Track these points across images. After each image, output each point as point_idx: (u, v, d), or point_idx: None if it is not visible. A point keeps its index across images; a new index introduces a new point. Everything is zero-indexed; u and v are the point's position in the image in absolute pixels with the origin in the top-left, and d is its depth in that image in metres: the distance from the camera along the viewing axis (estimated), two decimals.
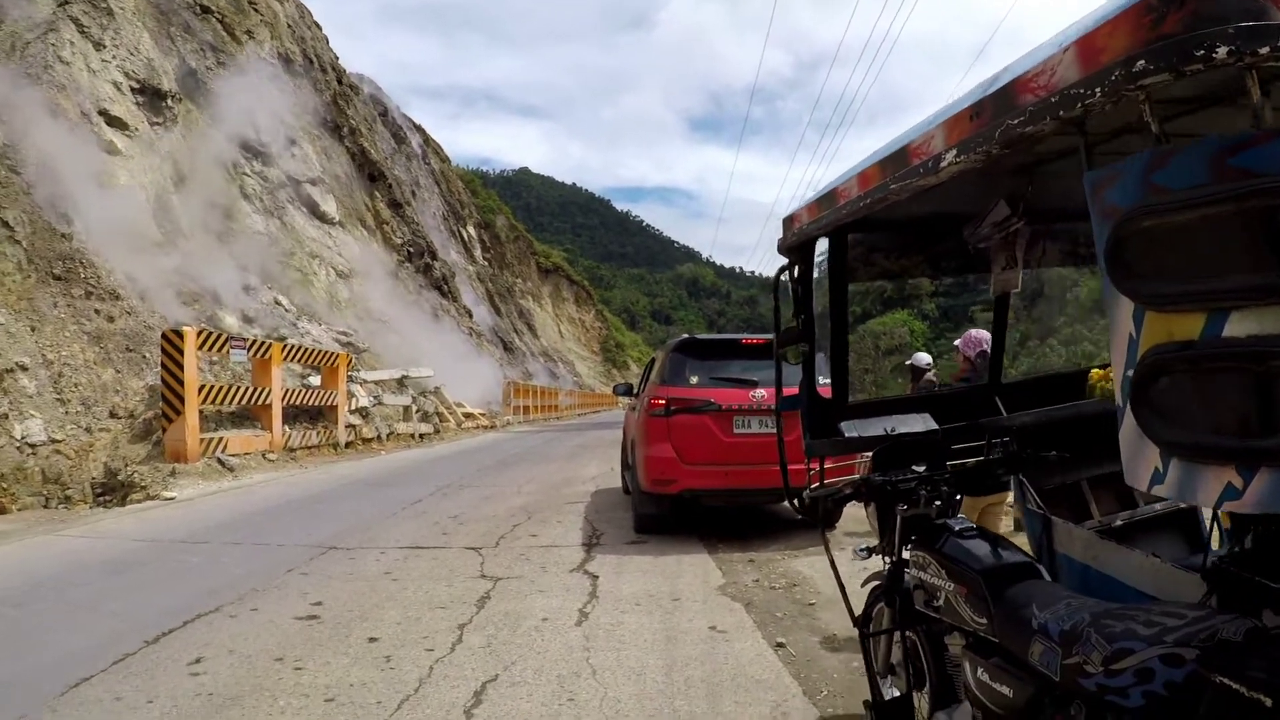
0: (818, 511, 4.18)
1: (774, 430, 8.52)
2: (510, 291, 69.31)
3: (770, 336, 9.84)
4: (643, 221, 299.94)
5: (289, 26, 36.10)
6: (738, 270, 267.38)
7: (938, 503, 3.39)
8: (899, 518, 3.45)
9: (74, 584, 7.05)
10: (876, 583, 3.94)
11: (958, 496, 3.47)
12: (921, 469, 3.55)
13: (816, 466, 4.49)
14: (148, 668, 4.94)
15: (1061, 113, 2.05)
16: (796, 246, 4.26)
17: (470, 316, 49.63)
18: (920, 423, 4.52)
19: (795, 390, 4.58)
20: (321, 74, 38.36)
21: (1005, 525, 9.02)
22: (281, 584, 7.00)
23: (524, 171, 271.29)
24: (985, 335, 8.65)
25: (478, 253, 63.51)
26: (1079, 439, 4.23)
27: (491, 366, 45.15)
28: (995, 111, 2.37)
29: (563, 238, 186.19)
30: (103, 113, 21.10)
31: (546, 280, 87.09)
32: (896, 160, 3.01)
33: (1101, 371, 4.78)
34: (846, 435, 4.43)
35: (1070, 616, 2.37)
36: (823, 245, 4.36)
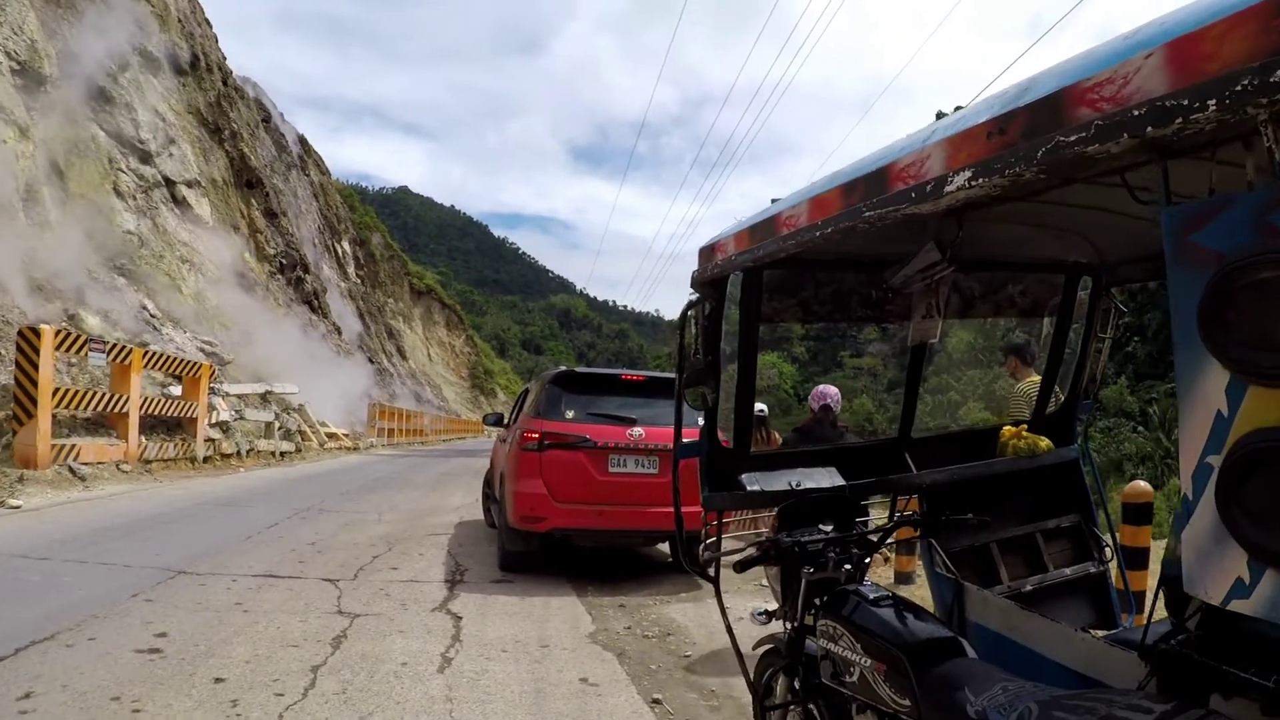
0: (714, 571, 4.30)
1: (651, 471, 8.82)
2: (381, 311, 68.26)
3: (653, 374, 10.03)
4: (519, 249, 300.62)
5: (179, 21, 35.16)
6: (611, 303, 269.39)
7: (847, 566, 3.23)
8: (804, 580, 3.26)
9: None
10: (769, 646, 3.76)
11: (867, 560, 3.34)
12: (829, 528, 3.43)
13: (714, 520, 4.35)
14: None
15: (1149, 129, 1.71)
16: (712, 281, 4.04)
17: (339, 334, 48.77)
18: (826, 477, 4.31)
19: (694, 435, 4.44)
20: (208, 73, 37.44)
21: (883, 575, 9.40)
22: (124, 611, 6.59)
23: (404, 190, 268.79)
24: (831, 390, 9.35)
25: (351, 269, 62.44)
26: (989, 499, 4.32)
27: (358, 385, 44.40)
28: (1032, 127, 2.04)
29: (438, 260, 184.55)
30: None
31: (419, 302, 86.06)
32: (872, 184, 2.70)
33: (1013, 429, 4.83)
34: (748, 488, 4.21)
35: (1013, 705, 2.16)
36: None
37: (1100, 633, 3.89)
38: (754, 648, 3.90)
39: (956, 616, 3.92)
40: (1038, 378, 8.22)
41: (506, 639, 6.59)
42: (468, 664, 5.90)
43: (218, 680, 5.14)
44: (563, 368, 10.11)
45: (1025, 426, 4.97)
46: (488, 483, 12.34)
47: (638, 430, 8.86)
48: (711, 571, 4.37)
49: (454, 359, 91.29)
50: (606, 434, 8.87)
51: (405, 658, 5.91)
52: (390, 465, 25.67)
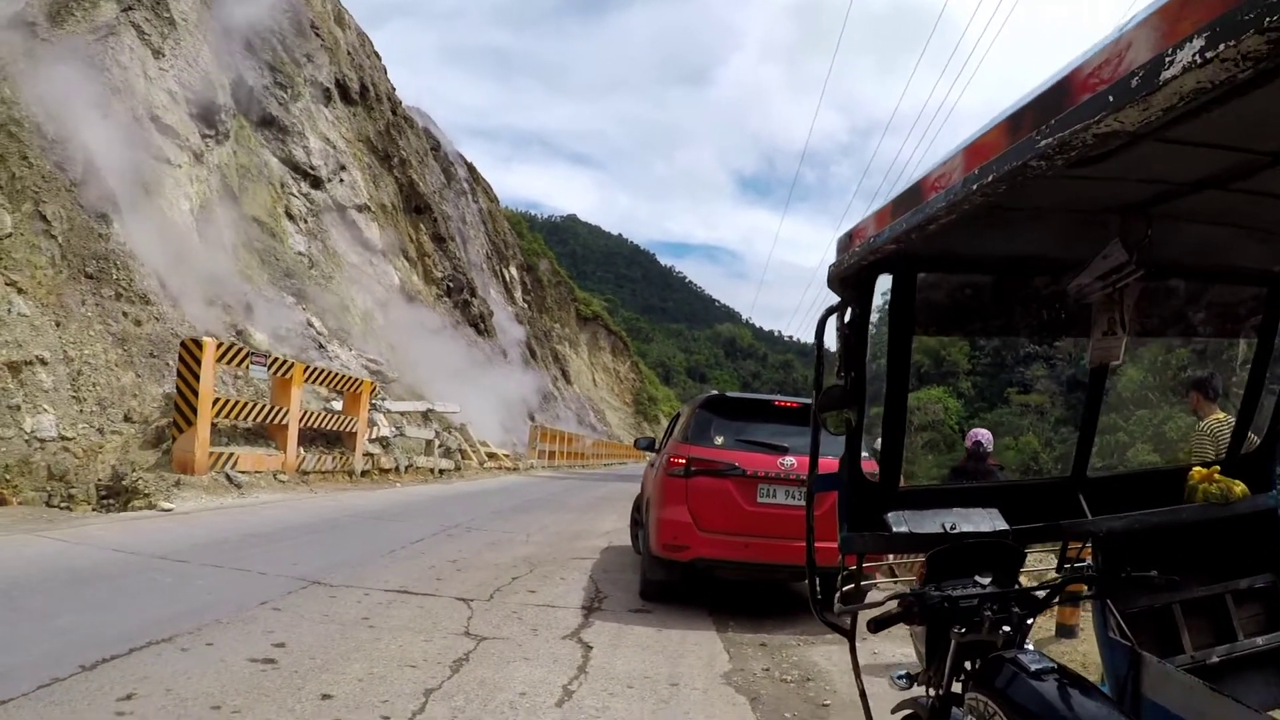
0: (850, 624, 3.62)
1: (802, 503, 7.93)
2: (547, 335, 69.16)
3: (807, 401, 9.19)
4: (685, 278, 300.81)
5: (348, 53, 36.34)
6: (776, 333, 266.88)
7: (1005, 628, 2.69)
8: (953, 642, 2.73)
9: (33, 591, 6.56)
10: (908, 712, 3.18)
11: (1029, 620, 2.79)
12: (987, 581, 2.85)
13: (853, 564, 3.62)
14: (73, 698, 4.41)
15: None
16: (853, 277, 3.28)
17: (505, 357, 49.39)
18: (986, 519, 3.57)
19: (834, 465, 3.74)
20: (377, 103, 38.56)
21: (1040, 625, 8.37)
22: (248, 618, 6.36)
23: (572, 218, 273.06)
24: (983, 432, 8.64)
25: (518, 294, 63.40)
26: (1174, 553, 3.55)
27: (521, 408, 44.78)
28: None
29: (605, 287, 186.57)
30: (155, 119, 21.14)
31: (585, 327, 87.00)
32: (1047, 105, 1.92)
33: (1204, 471, 3.99)
34: (894, 529, 3.50)
35: None
36: (882, 286, 3.45)
37: None
38: (891, 711, 3.29)
39: (1130, 692, 3.24)
40: (1222, 415, 7.28)
41: (635, 674, 6.01)
42: (589, 699, 5.36)
43: (325, 697, 4.81)
44: (714, 392, 9.42)
45: (1218, 469, 4.08)
46: (636, 507, 11.71)
47: (790, 460, 8.15)
48: (846, 622, 3.68)
49: (618, 384, 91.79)
50: (757, 462, 8.21)
51: (525, 687, 5.42)
52: (547, 487, 25.54)
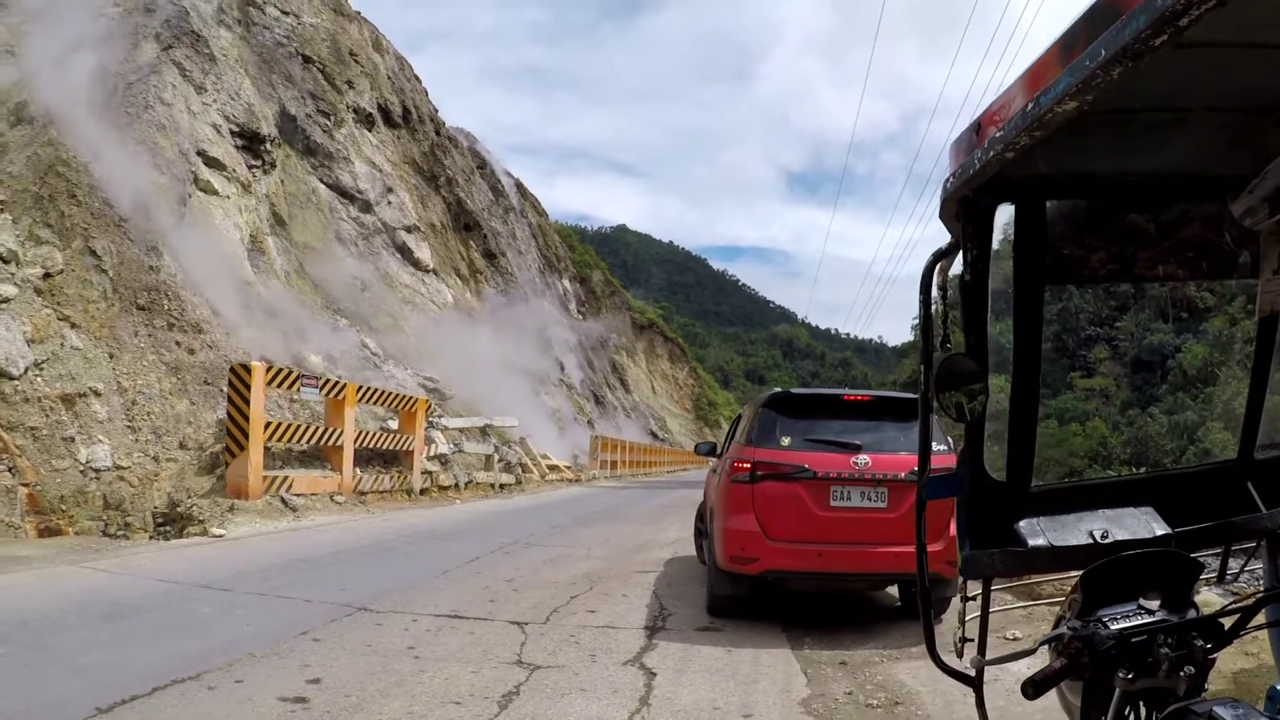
0: (978, 675, 2.78)
1: (878, 505, 7.48)
2: (604, 346, 69.14)
3: (880, 394, 8.65)
4: (738, 280, 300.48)
5: (388, 78, 36.72)
6: (833, 331, 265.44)
7: (1188, 668, 2.04)
8: (1119, 691, 2.06)
9: (63, 627, 6.37)
10: None
11: (1213, 655, 2.11)
12: (1155, 605, 2.19)
13: (977, 592, 2.80)
14: None
15: None
16: (975, 199, 2.52)
17: (562, 369, 49.45)
18: (1143, 523, 2.79)
19: (938, 464, 3.05)
20: (420, 124, 38.84)
21: None
22: (285, 651, 6.06)
23: (621, 228, 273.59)
24: None
25: (573, 306, 63.47)
26: None
27: (580, 419, 44.73)
28: None
29: (659, 295, 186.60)
30: (201, 153, 21.47)
31: (641, 336, 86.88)
32: None
33: None
34: (1030, 542, 2.74)
35: None
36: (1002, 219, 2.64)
37: None
38: None
39: None
40: None
41: (703, 704, 5.43)
42: None
43: None
44: (777, 389, 8.68)
45: None
46: (700, 516, 11.31)
47: (863, 458, 7.50)
48: (972, 670, 2.81)
49: (678, 391, 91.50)
50: (827, 463, 7.54)
51: None
52: (609, 497, 25.34)
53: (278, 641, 6.26)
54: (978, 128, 2.37)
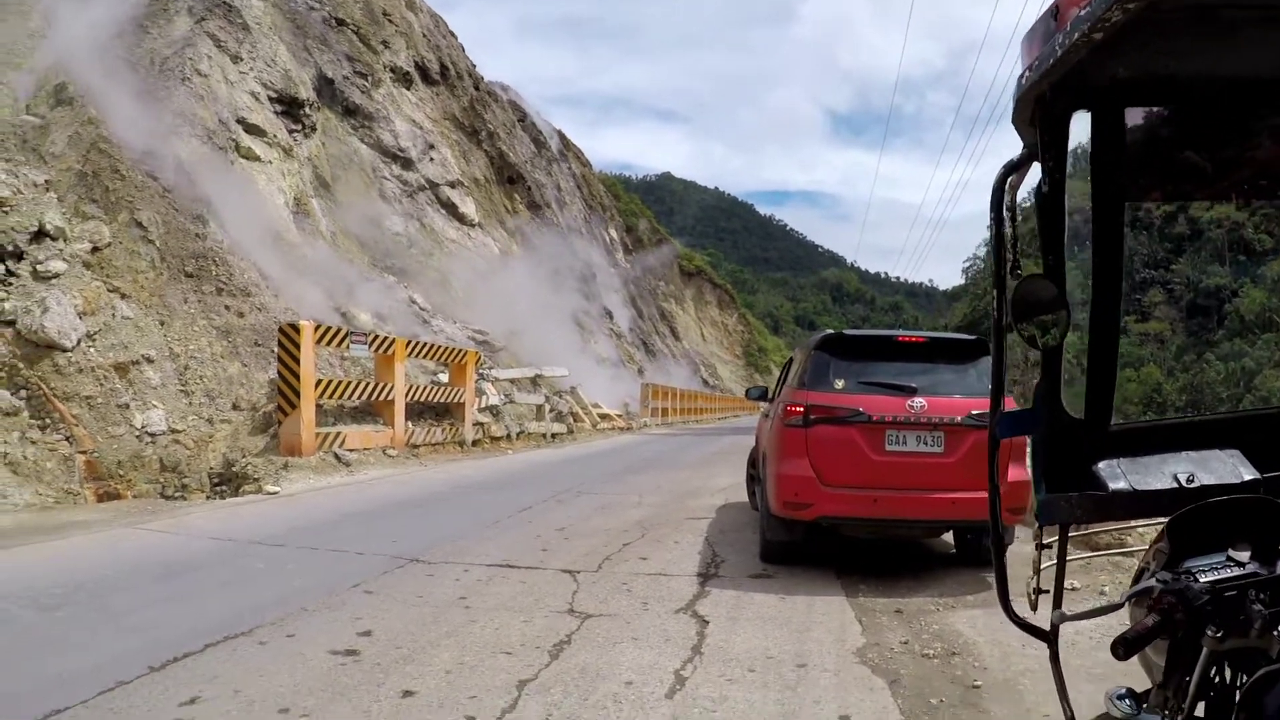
0: (1053, 630, 2.56)
1: (935, 450, 7.36)
2: (653, 294, 69.05)
3: (935, 335, 8.38)
4: (786, 225, 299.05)
5: (424, 35, 36.64)
6: (883, 275, 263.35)
7: None
8: (1206, 650, 1.89)
9: (118, 587, 6.42)
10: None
11: None
12: (1245, 557, 2.00)
13: (1053, 539, 2.63)
14: (133, 704, 4.16)
15: None
16: (1052, 99, 2.25)
17: (610, 318, 49.48)
18: (1229, 466, 2.52)
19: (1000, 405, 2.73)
20: (459, 80, 38.73)
21: None
22: (338, 604, 6.09)
23: (666, 176, 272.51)
24: None
25: (620, 255, 63.35)
26: None
27: (630, 367, 44.79)
28: None
29: (706, 241, 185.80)
30: (241, 121, 21.71)
31: (689, 283, 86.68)
32: None
33: None
34: (1110, 486, 2.47)
35: None
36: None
37: None
38: None
39: None
40: None
41: (756, 653, 5.30)
42: (704, 686, 4.70)
43: (406, 694, 4.40)
44: (829, 331, 8.41)
45: None
46: (752, 462, 11.19)
47: (919, 401, 7.29)
48: (1048, 625, 2.59)
49: (727, 338, 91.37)
50: (882, 406, 7.34)
51: (632, 674, 4.84)
52: (660, 445, 25.29)
53: (330, 594, 6.31)
54: (1055, 11, 2.11)
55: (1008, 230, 2.50)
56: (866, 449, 7.27)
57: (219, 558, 7.53)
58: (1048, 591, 2.61)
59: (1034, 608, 2.57)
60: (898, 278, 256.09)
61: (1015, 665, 5.17)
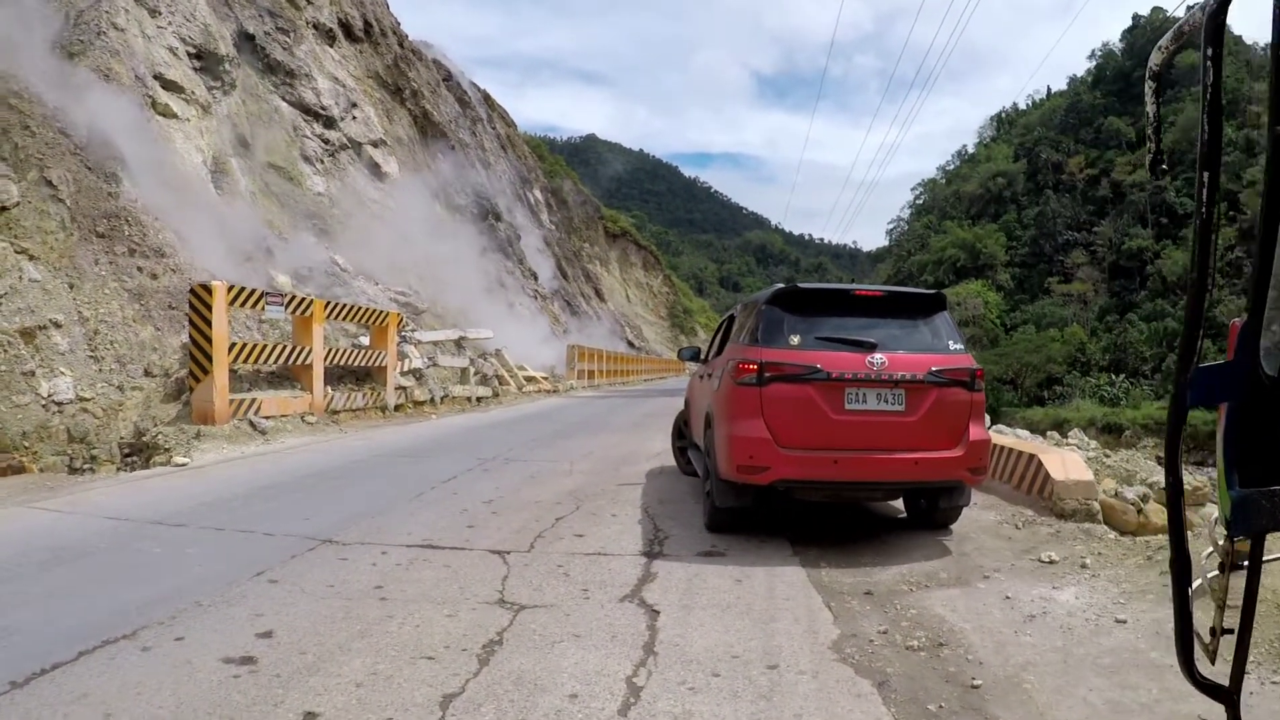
0: (1234, 686, 1.97)
1: (895, 408, 7.12)
2: (578, 255, 68.83)
3: (893, 289, 7.96)
4: (710, 188, 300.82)
5: None
6: (807, 237, 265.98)
7: None
8: None
9: None
10: None
11: None
12: None
13: (1243, 555, 1.99)
14: None
15: None
16: None
17: (536, 279, 49.26)
18: None
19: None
20: (383, 38, 38.06)
21: None
22: (236, 597, 5.43)
23: (591, 138, 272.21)
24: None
25: (545, 217, 62.93)
26: None
27: (556, 329, 44.67)
28: None
29: (630, 204, 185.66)
30: (158, 77, 21.07)
31: (614, 245, 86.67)
32: None
33: None
34: None
35: None
36: None
37: None
38: None
39: None
40: None
41: (719, 651, 4.74)
42: (663, 698, 4.11)
43: (308, 717, 3.81)
44: (780, 285, 7.94)
45: None
46: (678, 428, 11.13)
47: (879, 357, 6.98)
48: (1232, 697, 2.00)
49: (652, 299, 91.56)
50: (841, 363, 6.99)
51: (576, 684, 4.24)
52: (589, 408, 25.06)
53: (229, 585, 5.71)
54: None
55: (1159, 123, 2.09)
56: (825, 408, 6.96)
57: (114, 541, 6.95)
58: (1230, 632, 2.00)
59: (1212, 657, 2.02)
60: (821, 239, 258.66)
61: (1013, 658, 4.77)
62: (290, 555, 6.55)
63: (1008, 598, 5.83)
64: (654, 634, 4.99)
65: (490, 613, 5.30)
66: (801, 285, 7.79)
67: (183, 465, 10.95)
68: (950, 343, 7.35)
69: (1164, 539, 6.91)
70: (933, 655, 4.81)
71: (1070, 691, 4.26)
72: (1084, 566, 6.48)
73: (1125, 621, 5.27)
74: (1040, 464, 8.76)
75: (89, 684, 4.08)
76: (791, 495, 7.39)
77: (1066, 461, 8.77)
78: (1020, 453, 9.39)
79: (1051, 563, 6.64)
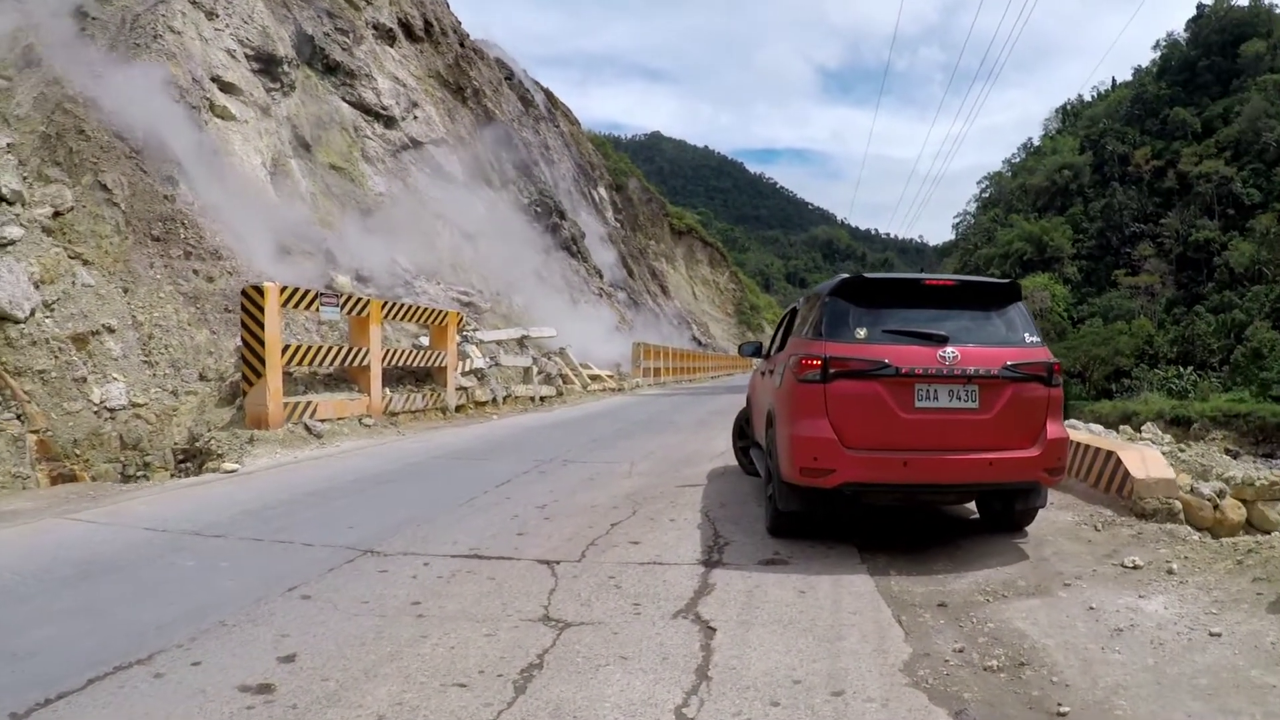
0: None
1: (969, 405, 6.53)
2: (643, 253, 68.50)
3: (966, 278, 7.40)
4: (776, 184, 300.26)
5: None
6: (873, 232, 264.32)
7: None
8: None
9: (15, 597, 5.48)
10: None
11: None
12: None
13: None
14: None
15: None
16: None
17: (601, 277, 48.93)
18: None
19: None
20: (443, 37, 37.99)
21: None
22: (263, 616, 5.09)
23: (656, 135, 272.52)
24: None
25: (609, 214, 62.63)
26: None
27: (621, 327, 44.29)
28: None
29: (696, 200, 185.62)
30: (215, 79, 21.11)
31: (680, 242, 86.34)
32: None
33: None
34: None
35: None
36: None
37: None
38: None
39: None
40: None
41: (779, 675, 4.30)
42: None
43: None
44: (844, 275, 7.43)
45: None
46: (741, 423, 10.61)
47: (950, 351, 6.51)
48: None
49: (719, 296, 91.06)
50: (911, 357, 6.54)
51: (619, 715, 3.81)
52: (653, 406, 24.60)
53: (258, 602, 5.35)
54: None
55: None
56: (894, 406, 6.50)
57: (146, 554, 6.62)
58: None
59: None
60: (888, 234, 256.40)
61: (1102, 679, 4.27)
62: (328, 568, 6.21)
63: (1092, 608, 5.32)
64: (708, 655, 4.57)
65: (532, 631, 4.91)
66: (867, 275, 7.25)
67: (232, 471, 10.66)
68: (1026, 335, 6.85)
69: (1254, 540, 6.55)
70: (1014, 677, 4.35)
71: (1166, 718, 3.81)
72: (1170, 572, 5.95)
73: (1220, 635, 4.76)
74: (1119, 461, 8.24)
75: (91, 717, 3.74)
76: (858, 499, 6.94)
77: (1146, 458, 8.24)
78: (1097, 449, 8.89)
79: (1136, 568, 6.12)
